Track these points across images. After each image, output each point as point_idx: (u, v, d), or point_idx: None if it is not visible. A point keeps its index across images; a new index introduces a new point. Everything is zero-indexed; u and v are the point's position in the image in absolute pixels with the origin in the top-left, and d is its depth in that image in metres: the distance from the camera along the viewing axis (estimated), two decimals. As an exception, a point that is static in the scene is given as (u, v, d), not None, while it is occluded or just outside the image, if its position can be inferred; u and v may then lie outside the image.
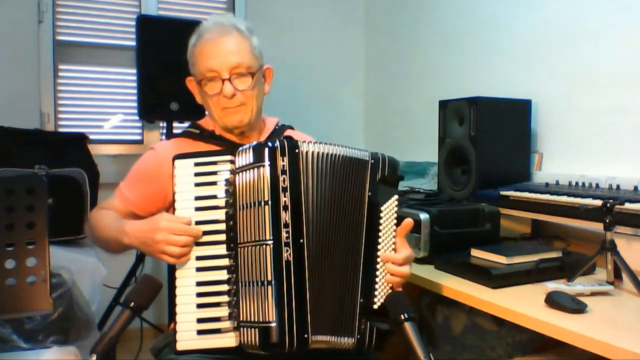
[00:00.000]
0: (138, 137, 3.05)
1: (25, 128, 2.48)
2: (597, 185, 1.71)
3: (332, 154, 1.21)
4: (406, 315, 1.01)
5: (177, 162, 1.23)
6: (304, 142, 1.21)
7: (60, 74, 2.85)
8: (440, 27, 2.75)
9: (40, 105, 2.77)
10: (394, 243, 1.24)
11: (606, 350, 1.04)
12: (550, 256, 1.56)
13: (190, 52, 1.46)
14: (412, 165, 2.64)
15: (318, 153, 1.20)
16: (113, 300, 2.52)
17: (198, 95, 1.49)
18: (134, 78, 2.56)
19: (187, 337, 1.16)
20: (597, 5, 1.90)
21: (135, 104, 2.56)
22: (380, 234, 1.23)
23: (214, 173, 1.21)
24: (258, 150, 1.17)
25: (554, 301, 1.24)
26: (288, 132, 1.56)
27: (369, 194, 1.22)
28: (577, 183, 1.77)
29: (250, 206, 1.16)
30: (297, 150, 1.18)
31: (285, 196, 1.15)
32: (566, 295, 1.26)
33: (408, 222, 1.25)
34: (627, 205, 1.46)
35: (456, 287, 1.43)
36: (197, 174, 1.21)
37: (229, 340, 1.15)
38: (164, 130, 2.65)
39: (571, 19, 2.00)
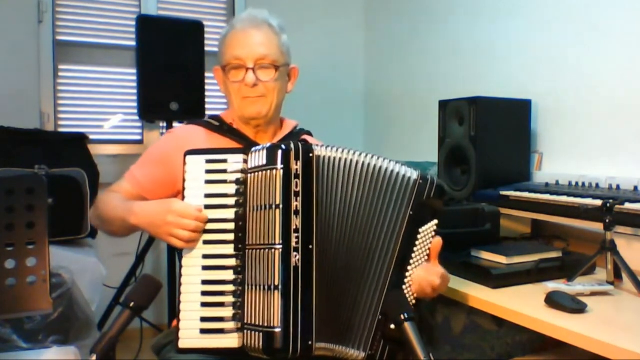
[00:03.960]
0: (138, 137, 3.05)
1: (25, 128, 2.48)
2: (597, 185, 1.71)
3: (351, 160, 1.19)
4: (406, 315, 1.01)
5: (188, 157, 1.21)
6: (319, 146, 1.20)
7: (60, 74, 2.85)
8: (440, 27, 2.75)
9: (40, 105, 2.77)
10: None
11: (606, 350, 1.04)
12: (550, 256, 1.56)
13: (221, 40, 1.47)
14: (412, 165, 2.64)
15: (333, 158, 1.18)
16: (113, 300, 2.51)
17: (222, 85, 1.50)
18: (134, 78, 2.57)
19: (189, 336, 1.15)
20: (598, 5, 1.90)
21: (135, 104, 2.56)
22: (413, 255, 1.20)
23: (226, 171, 1.20)
24: (271, 152, 1.15)
25: (554, 301, 1.24)
26: (305, 137, 1.56)
27: (411, 212, 1.19)
28: (577, 183, 1.77)
29: (261, 208, 1.15)
30: (310, 155, 1.17)
31: (297, 201, 1.14)
32: (566, 295, 1.25)
33: (438, 241, 1.21)
34: (627, 205, 1.45)
35: (456, 287, 1.43)
36: (208, 171, 1.20)
37: (231, 341, 1.14)
38: (164, 131, 2.65)
39: (571, 19, 2.00)
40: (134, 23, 2.54)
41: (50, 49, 2.78)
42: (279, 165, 1.14)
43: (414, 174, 1.21)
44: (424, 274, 1.19)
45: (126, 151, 2.96)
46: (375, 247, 1.18)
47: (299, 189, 1.14)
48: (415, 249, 1.20)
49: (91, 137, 2.61)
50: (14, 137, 2.35)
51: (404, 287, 1.18)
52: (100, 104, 2.95)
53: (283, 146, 1.16)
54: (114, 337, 0.97)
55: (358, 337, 1.17)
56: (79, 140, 2.52)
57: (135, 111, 2.55)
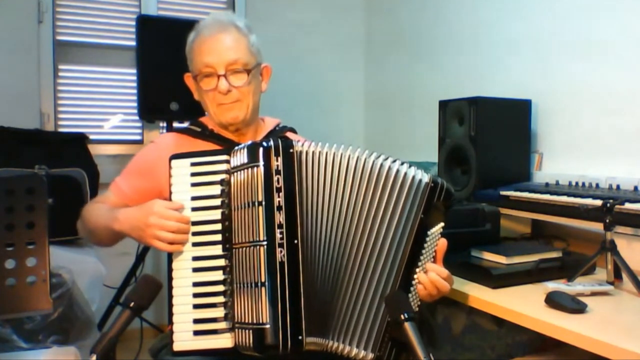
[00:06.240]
0: (138, 137, 3.06)
1: (25, 128, 2.48)
2: (597, 185, 1.71)
3: (342, 155, 1.18)
4: (406, 315, 1.01)
5: (173, 162, 1.22)
6: (299, 141, 1.20)
7: (60, 74, 2.85)
8: (440, 27, 2.75)
9: (40, 105, 2.77)
10: None
11: (606, 350, 1.04)
12: (550, 256, 1.56)
13: (188, 48, 1.46)
14: (412, 165, 2.64)
15: (319, 152, 1.18)
16: (113, 300, 2.52)
17: (195, 92, 1.49)
18: (134, 78, 2.57)
19: (183, 338, 1.15)
20: (597, 6, 1.89)
21: (135, 104, 2.56)
22: (422, 257, 1.19)
23: (210, 173, 1.21)
24: (252, 150, 1.16)
25: (554, 301, 1.24)
26: (288, 134, 1.55)
27: (422, 216, 1.18)
28: (577, 183, 1.77)
29: (245, 206, 1.15)
30: (291, 150, 1.17)
31: (279, 196, 1.14)
32: (566, 295, 1.25)
33: (443, 243, 1.21)
34: (627, 205, 1.45)
35: (456, 287, 1.42)
36: (193, 174, 1.21)
37: (225, 341, 1.15)
38: (164, 131, 2.65)
39: (571, 19, 2.00)
40: (134, 23, 2.54)
41: (50, 49, 2.78)
42: (260, 162, 1.15)
43: (425, 177, 1.19)
44: (432, 276, 1.18)
45: (126, 151, 2.95)
46: (381, 247, 1.17)
47: (281, 184, 1.14)
48: (423, 251, 1.19)
49: (91, 137, 2.61)
50: (14, 137, 2.36)
51: (411, 288, 1.18)
52: (100, 104, 2.95)
53: (264, 143, 1.17)
54: (114, 337, 0.97)
55: (364, 337, 1.16)
56: (79, 140, 2.52)
57: (135, 111, 2.55)
